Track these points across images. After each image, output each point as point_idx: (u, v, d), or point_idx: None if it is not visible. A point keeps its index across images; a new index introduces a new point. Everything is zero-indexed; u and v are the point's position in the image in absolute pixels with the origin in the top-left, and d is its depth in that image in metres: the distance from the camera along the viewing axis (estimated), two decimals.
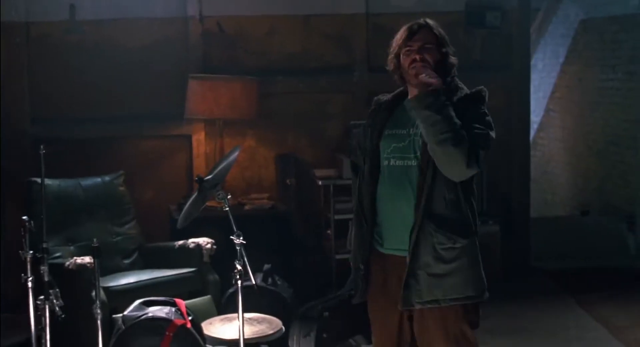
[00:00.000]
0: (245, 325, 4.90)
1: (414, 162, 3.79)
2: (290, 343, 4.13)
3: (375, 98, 4.15)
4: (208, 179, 4.74)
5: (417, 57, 3.79)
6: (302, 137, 7.44)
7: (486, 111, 3.80)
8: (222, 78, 6.87)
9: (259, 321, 5.16)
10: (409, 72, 3.81)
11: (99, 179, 6.38)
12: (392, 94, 4.06)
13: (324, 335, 4.16)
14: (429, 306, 3.74)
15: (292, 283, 6.32)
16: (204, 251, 5.99)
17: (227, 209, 4.70)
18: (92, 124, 7.07)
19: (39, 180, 5.22)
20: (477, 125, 3.70)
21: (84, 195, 6.25)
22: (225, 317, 5.23)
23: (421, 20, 3.93)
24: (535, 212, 10.63)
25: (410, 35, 3.86)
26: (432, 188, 3.71)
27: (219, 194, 4.69)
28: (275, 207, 7.01)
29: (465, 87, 3.90)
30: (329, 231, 7.07)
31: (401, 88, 4.00)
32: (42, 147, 4.56)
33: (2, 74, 6.82)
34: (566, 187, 10.94)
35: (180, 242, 6.11)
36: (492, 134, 3.76)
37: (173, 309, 5.05)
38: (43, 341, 4.55)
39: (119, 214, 6.35)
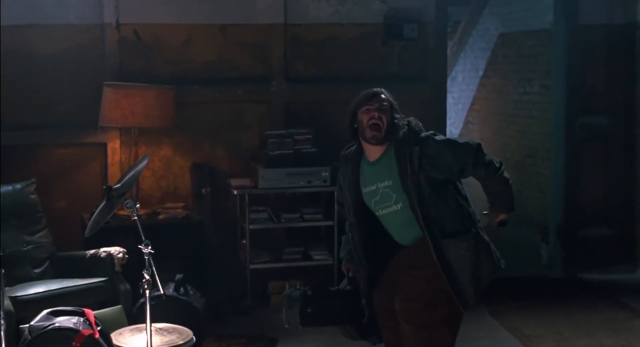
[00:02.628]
0: (155, 335, 4.89)
1: (396, 207, 4.52)
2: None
3: (342, 154, 4.81)
4: (116, 188, 4.72)
5: (376, 114, 4.52)
6: (218, 146, 7.41)
7: (441, 140, 4.58)
8: (137, 86, 6.82)
9: (169, 331, 5.13)
10: (366, 128, 4.53)
11: (9, 187, 6.28)
12: (351, 150, 4.74)
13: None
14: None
15: (206, 293, 6.29)
16: (116, 260, 5.94)
17: (136, 218, 4.68)
18: (4, 131, 6.94)
19: None
20: (459, 154, 4.54)
21: None
22: (135, 328, 5.19)
23: (377, 89, 4.65)
24: None
25: (370, 97, 4.60)
26: (430, 219, 4.44)
27: (127, 203, 4.67)
28: (190, 217, 6.97)
29: (403, 124, 4.59)
30: (244, 241, 7.06)
31: (355, 145, 4.69)
32: None
33: None
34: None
35: (92, 251, 6.05)
36: (469, 141, 4.62)
37: (81, 319, 4.99)
38: None
39: (30, 223, 6.27)
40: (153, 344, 4.71)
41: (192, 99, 7.29)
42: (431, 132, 4.62)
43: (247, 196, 6.95)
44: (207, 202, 7.18)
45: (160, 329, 5.10)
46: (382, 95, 4.61)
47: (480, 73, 11.18)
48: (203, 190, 7.16)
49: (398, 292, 4.55)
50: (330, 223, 7.15)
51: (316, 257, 7.18)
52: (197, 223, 6.95)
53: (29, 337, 4.87)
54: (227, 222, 7.30)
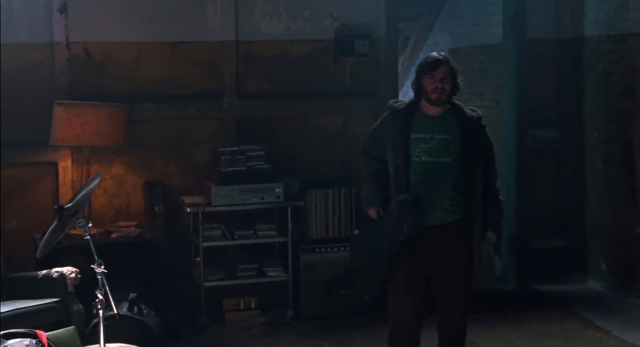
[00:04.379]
0: None
1: (445, 160, 5.10)
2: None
3: (390, 104, 5.34)
4: (68, 207, 4.67)
5: (439, 85, 5.08)
6: (171, 164, 7.39)
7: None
8: (88, 104, 6.79)
9: None
10: (431, 93, 5.10)
11: None
12: (406, 103, 5.28)
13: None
14: None
15: (160, 312, 6.26)
16: (68, 281, 5.89)
17: (88, 237, 4.64)
18: None
19: None
20: (493, 165, 5.30)
21: None
22: None
23: (441, 55, 5.17)
24: None
25: (436, 65, 5.11)
26: (465, 187, 5.13)
27: (79, 222, 4.63)
28: (143, 235, 6.93)
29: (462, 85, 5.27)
30: (197, 259, 7.03)
31: (412, 99, 5.24)
32: None
33: None
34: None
35: (44, 271, 5.99)
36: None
37: (34, 341, 4.92)
38: None
39: None
40: None
41: (144, 116, 7.26)
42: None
43: (200, 214, 6.92)
44: (160, 220, 7.14)
45: None
46: (445, 65, 5.11)
47: None
48: (156, 208, 7.13)
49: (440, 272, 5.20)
50: (284, 239, 7.14)
51: (270, 273, 7.17)
52: (151, 241, 6.91)
53: None
54: (180, 240, 7.26)
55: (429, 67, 5.12)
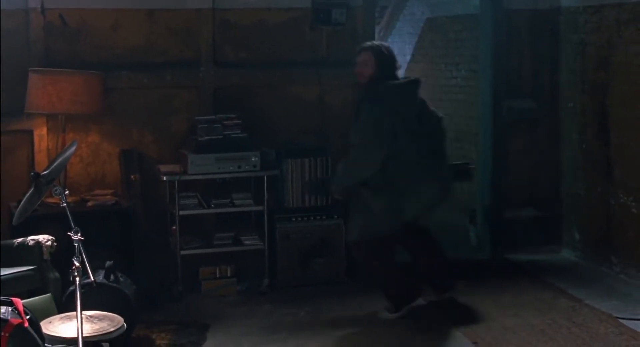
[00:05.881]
0: (85, 323, 4.85)
1: None
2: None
3: None
4: (44, 175, 4.67)
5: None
6: (147, 132, 7.36)
7: None
8: (64, 72, 6.75)
9: (100, 319, 5.10)
10: None
11: None
12: None
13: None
14: None
15: (137, 280, 6.27)
16: (44, 249, 5.88)
17: (65, 204, 4.64)
18: None
19: None
20: None
21: None
22: (65, 316, 5.15)
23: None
24: None
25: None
26: None
27: (55, 190, 4.62)
28: (119, 203, 6.92)
29: None
30: (174, 227, 7.03)
31: None
32: None
33: None
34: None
35: (20, 239, 5.97)
36: None
37: (10, 308, 4.91)
38: None
39: None
40: (84, 332, 4.67)
41: (120, 84, 7.22)
42: None
43: (176, 182, 6.91)
44: (136, 189, 7.13)
45: (90, 316, 5.07)
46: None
47: (408, 58, 11.25)
48: (132, 176, 7.11)
49: None
50: (260, 208, 7.15)
51: (247, 242, 7.19)
52: (127, 210, 6.90)
53: None
54: (157, 208, 7.25)
55: None
